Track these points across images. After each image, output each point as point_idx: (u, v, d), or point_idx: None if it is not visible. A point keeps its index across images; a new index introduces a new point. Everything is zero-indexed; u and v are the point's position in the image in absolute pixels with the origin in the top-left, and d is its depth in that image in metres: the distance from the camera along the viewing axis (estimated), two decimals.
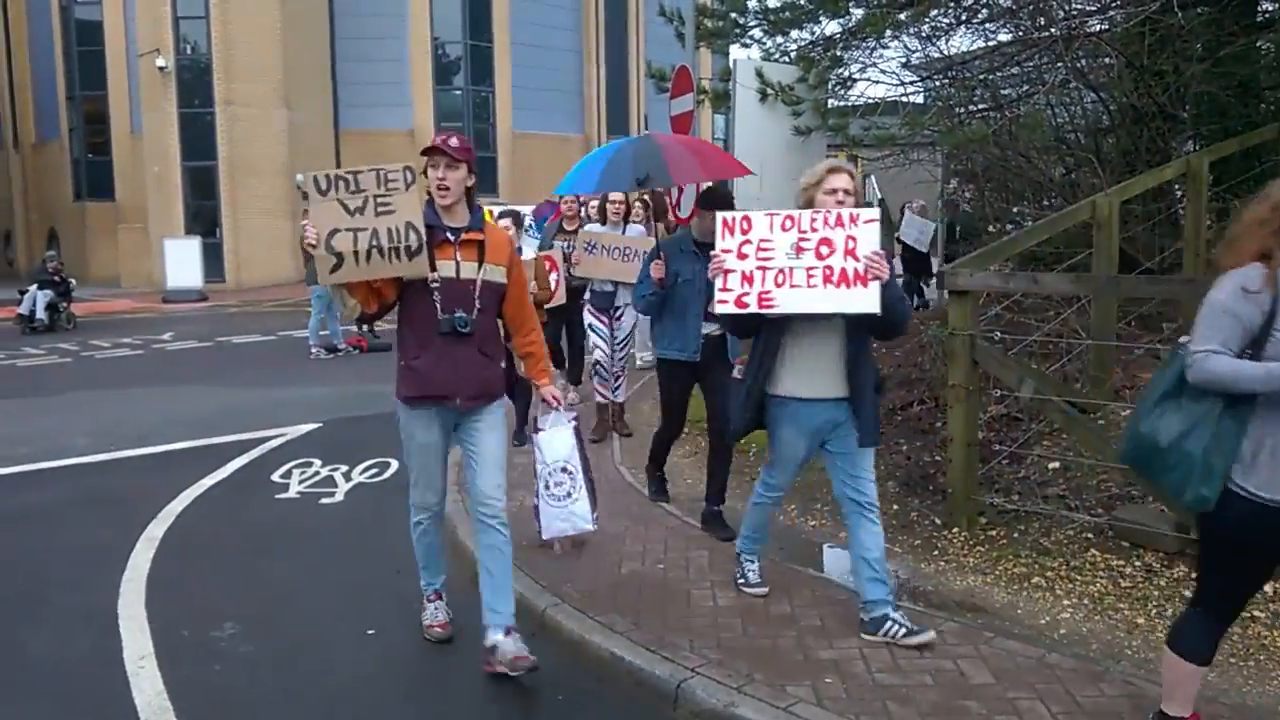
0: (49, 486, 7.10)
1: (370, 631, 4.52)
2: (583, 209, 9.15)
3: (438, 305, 3.95)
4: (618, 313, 7.80)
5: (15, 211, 34.79)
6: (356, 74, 29.74)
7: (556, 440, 4.94)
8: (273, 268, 26.04)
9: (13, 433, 8.77)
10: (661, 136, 6.18)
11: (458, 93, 31.19)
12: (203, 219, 25.74)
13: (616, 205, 8.20)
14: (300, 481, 7.09)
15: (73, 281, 18.37)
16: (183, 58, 25.71)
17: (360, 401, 10.01)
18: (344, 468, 7.37)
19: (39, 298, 17.07)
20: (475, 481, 4.13)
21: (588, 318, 7.89)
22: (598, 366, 7.78)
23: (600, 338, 7.79)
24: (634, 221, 8.41)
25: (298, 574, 5.30)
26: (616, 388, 7.83)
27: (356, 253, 3.81)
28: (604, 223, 8.43)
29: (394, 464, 7.47)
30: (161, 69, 25.01)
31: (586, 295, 7.93)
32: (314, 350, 13.23)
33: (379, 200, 3.84)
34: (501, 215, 9.61)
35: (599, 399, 7.82)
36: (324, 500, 6.68)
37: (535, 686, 3.96)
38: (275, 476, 7.22)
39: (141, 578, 5.21)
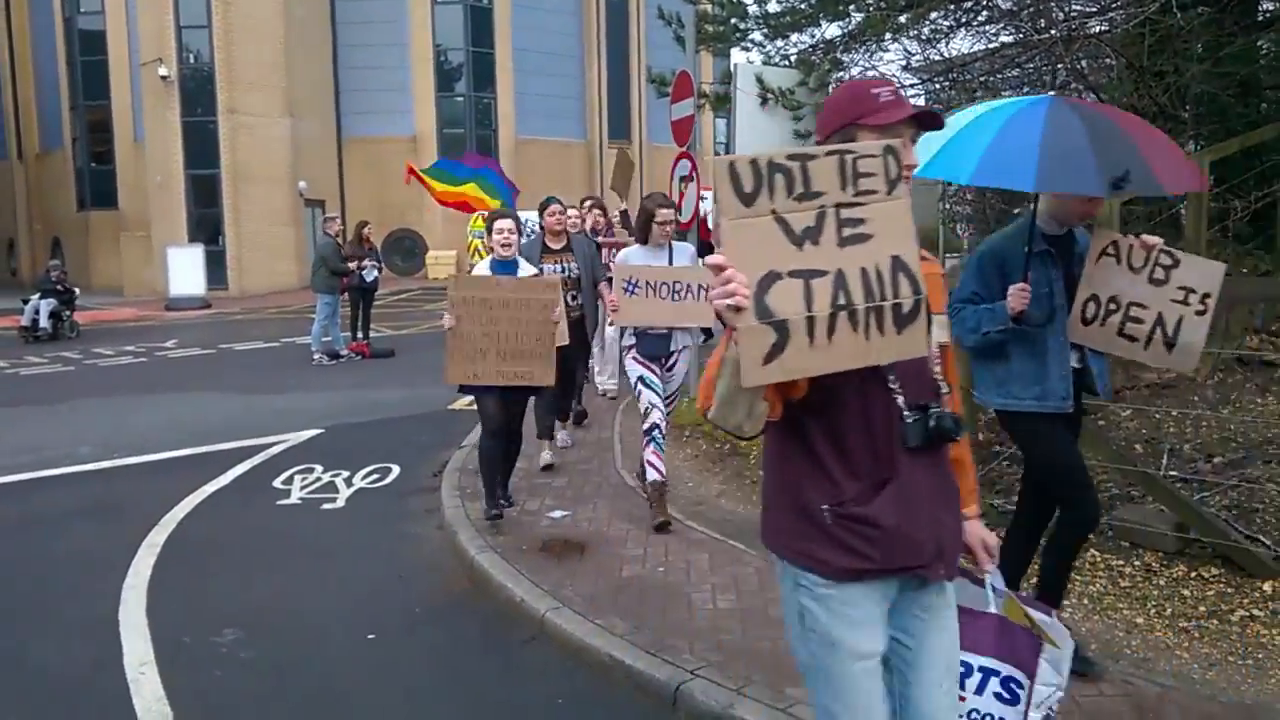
0: (51, 495, 7.11)
1: (371, 637, 4.52)
2: (583, 219, 8.99)
3: (898, 399, 2.13)
4: (671, 360, 5.92)
5: (19, 221, 34.97)
6: (359, 81, 29.86)
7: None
8: (275, 275, 26.12)
9: (16, 441, 8.79)
10: (1107, 109, 4.28)
11: (460, 99, 31.30)
12: (205, 227, 25.83)
13: (664, 223, 5.90)
14: (302, 487, 7.10)
15: (76, 290, 18.42)
16: (185, 67, 25.82)
17: (362, 407, 10.03)
18: (345, 473, 7.38)
19: (42, 307, 17.12)
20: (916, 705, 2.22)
21: (633, 368, 5.89)
22: (655, 432, 5.79)
23: (655, 392, 5.82)
24: (661, 239, 5.91)
25: (299, 580, 5.31)
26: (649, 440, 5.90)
27: (813, 322, 1.89)
28: (593, 232, 7.89)
29: (395, 469, 7.49)
30: (164, 78, 25.12)
31: (625, 339, 6.03)
32: (316, 356, 13.25)
33: (844, 214, 1.95)
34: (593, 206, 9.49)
35: (655, 475, 5.75)
36: (326, 506, 6.68)
37: (536, 690, 3.96)
38: (277, 483, 7.23)
39: (143, 584, 5.22)
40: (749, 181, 1.87)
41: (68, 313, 17.63)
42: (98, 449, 8.42)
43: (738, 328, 1.82)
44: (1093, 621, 4.30)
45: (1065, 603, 4.47)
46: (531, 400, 6.18)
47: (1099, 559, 4.79)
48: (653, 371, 5.82)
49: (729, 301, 1.80)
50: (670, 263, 5.78)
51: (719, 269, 1.81)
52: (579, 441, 7.85)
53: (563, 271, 6.78)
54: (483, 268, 5.96)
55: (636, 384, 5.87)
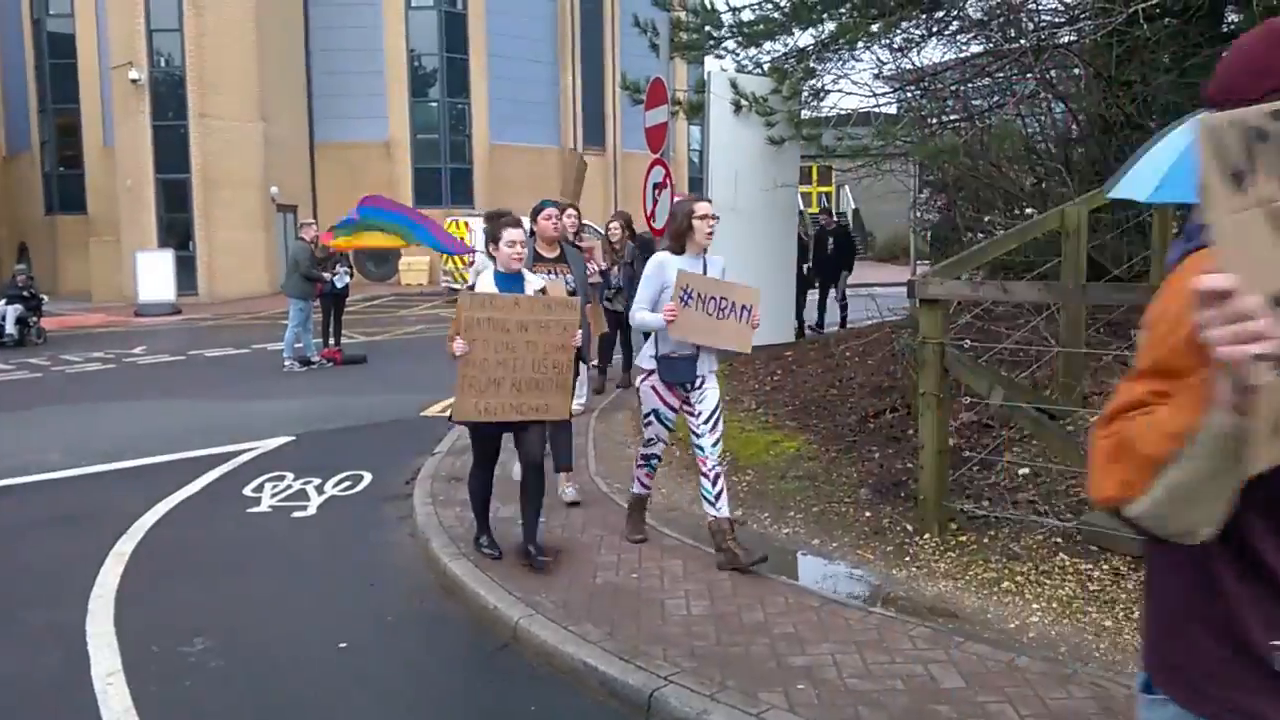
0: (18, 503, 7.02)
1: (343, 645, 4.50)
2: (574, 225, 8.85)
3: None
4: (699, 383, 5.16)
5: None
6: (332, 86, 29.70)
7: None
8: (246, 281, 25.91)
9: None
10: None
11: (434, 105, 31.20)
12: (176, 232, 25.57)
13: (705, 216, 5.24)
14: (272, 495, 7.05)
15: (43, 296, 18.19)
16: (156, 70, 25.57)
17: (334, 414, 9.96)
18: (317, 480, 7.33)
19: (8, 312, 16.87)
20: None
21: (649, 399, 5.23)
22: (654, 461, 5.47)
23: (667, 429, 5.33)
24: (706, 240, 5.15)
25: (269, 588, 5.27)
26: (718, 494, 5.09)
27: None
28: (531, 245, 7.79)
29: (367, 476, 7.45)
30: (134, 81, 24.87)
31: (643, 361, 5.28)
32: (287, 363, 13.15)
33: None
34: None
35: (640, 489, 5.57)
36: (296, 514, 6.63)
37: (509, 697, 3.95)
38: (247, 490, 7.17)
39: (110, 594, 5.16)
40: (1237, 152, 1.17)
41: (34, 319, 17.40)
42: (65, 456, 8.32)
43: (1256, 384, 1.10)
44: (1062, 625, 4.34)
45: (1035, 607, 4.52)
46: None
47: (1068, 563, 4.84)
48: (671, 406, 5.20)
49: (1259, 348, 1.08)
50: (704, 274, 5.12)
51: (1220, 295, 1.09)
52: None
53: (567, 282, 6.07)
54: (487, 282, 5.14)
55: (650, 416, 5.28)
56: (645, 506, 5.64)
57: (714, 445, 5.10)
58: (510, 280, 5.13)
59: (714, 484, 5.07)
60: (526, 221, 6.48)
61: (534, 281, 5.26)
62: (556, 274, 6.04)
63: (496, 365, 4.86)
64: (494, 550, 5.29)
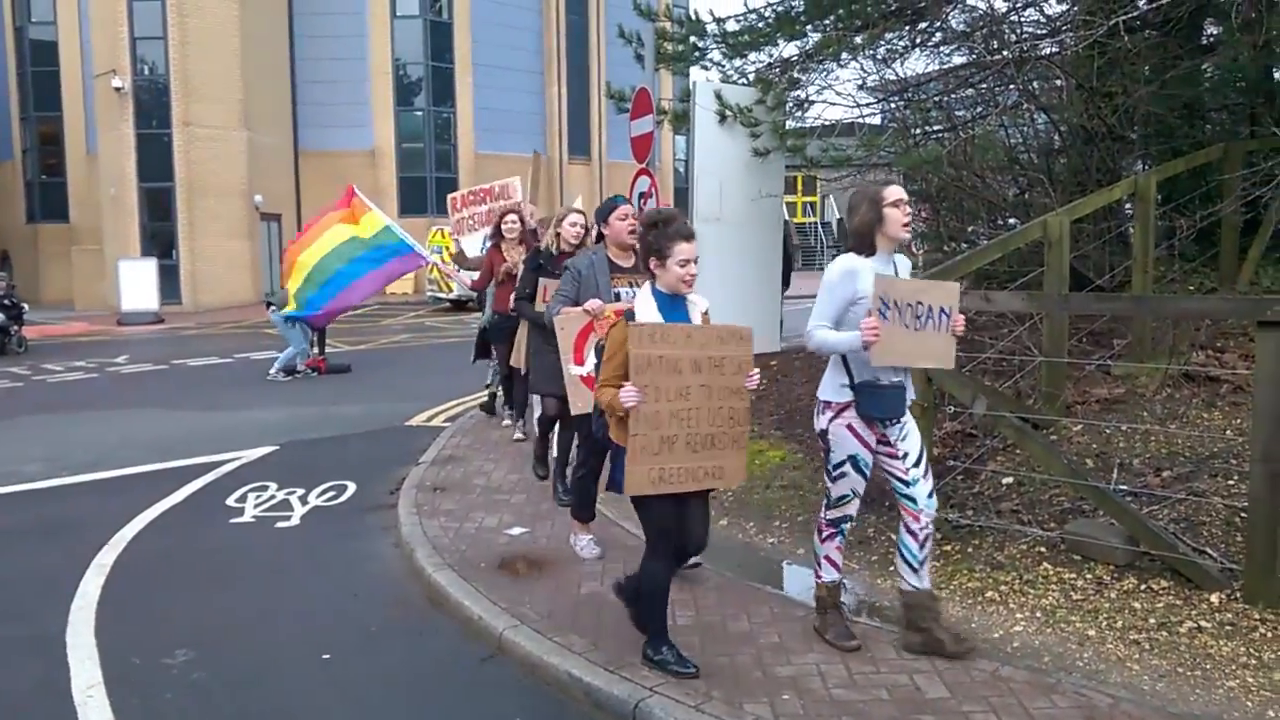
0: None
1: (326, 657, 4.47)
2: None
3: None
4: (903, 420, 4.09)
5: None
6: (317, 95, 29.68)
7: None
8: (230, 289, 25.82)
9: None
10: None
11: (419, 114, 31.20)
12: (159, 240, 25.48)
13: (899, 201, 4.02)
14: (256, 505, 7.01)
15: (25, 304, 18.07)
16: (140, 78, 25.49)
17: (317, 424, 9.92)
18: (300, 491, 7.30)
19: None
20: None
21: (845, 441, 4.04)
22: (845, 525, 4.23)
23: (864, 478, 4.11)
24: (904, 233, 4.06)
25: (252, 599, 5.23)
26: (924, 560, 4.11)
27: None
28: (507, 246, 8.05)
29: (351, 487, 7.41)
30: (118, 89, 24.78)
31: (829, 393, 4.10)
32: (272, 372, 13.10)
33: None
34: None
35: (834, 575, 4.26)
36: (280, 524, 6.60)
37: (494, 708, 3.94)
38: (230, 500, 7.13)
39: (91, 605, 5.11)
40: None
41: (16, 327, 17.28)
42: (45, 466, 8.26)
43: None
44: (1045, 634, 4.35)
45: (1019, 616, 4.53)
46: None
47: (1051, 572, 4.86)
48: (869, 446, 4.05)
49: None
50: (896, 274, 4.07)
51: None
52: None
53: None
54: (647, 306, 3.93)
55: (845, 465, 4.06)
56: (841, 597, 4.40)
57: (929, 497, 4.06)
58: (675, 306, 3.99)
59: (922, 547, 4.06)
60: (547, 225, 6.77)
61: (698, 304, 4.09)
62: (637, 287, 4.44)
63: (670, 419, 3.77)
64: (686, 667, 3.93)
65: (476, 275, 8.72)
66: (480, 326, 9.24)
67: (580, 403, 5.16)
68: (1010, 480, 5.85)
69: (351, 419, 10.16)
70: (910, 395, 4.11)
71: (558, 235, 6.31)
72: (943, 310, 4.02)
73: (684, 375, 3.78)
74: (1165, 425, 5.99)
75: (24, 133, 31.30)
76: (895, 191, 3.97)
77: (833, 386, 4.07)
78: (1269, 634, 4.11)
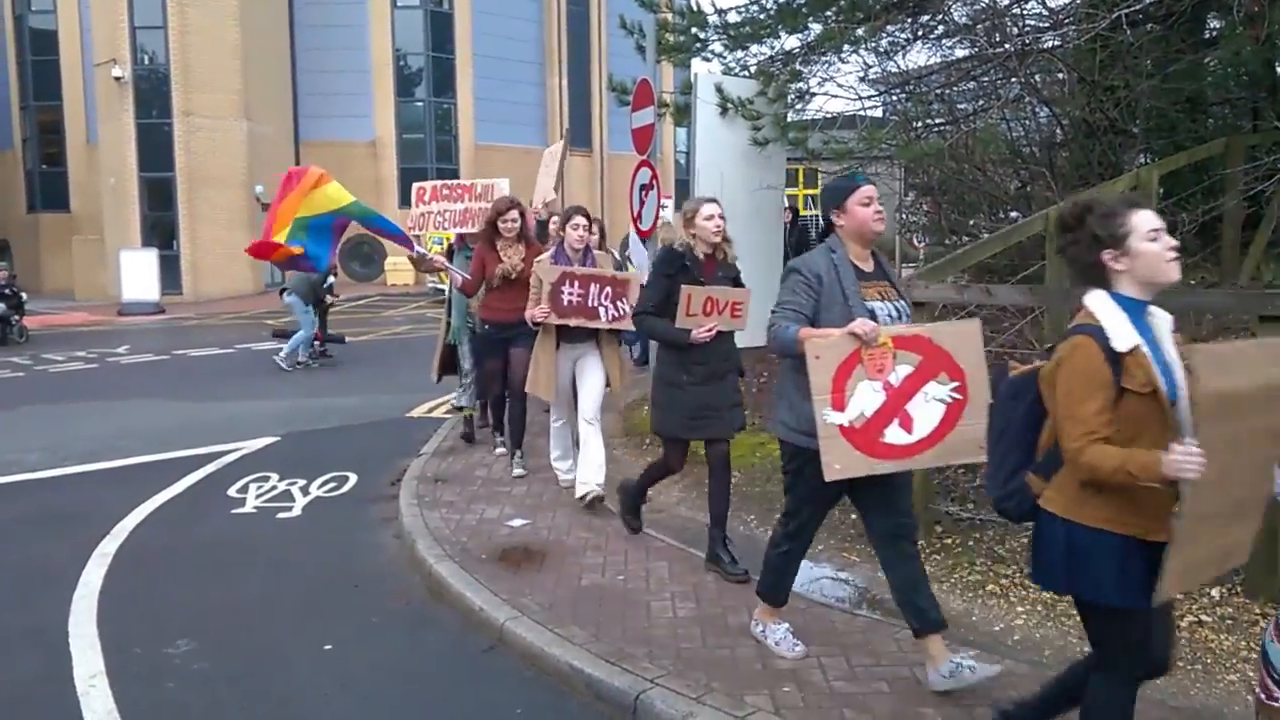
0: (0, 503, 6.98)
1: (327, 647, 4.48)
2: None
3: None
4: None
5: None
6: (317, 85, 29.63)
7: None
8: (231, 280, 25.80)
9: None
10: None
11: (419, 104, 31.18)
12: (160, 231, 25.46)
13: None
14: (257, 496, 7.02)
15: (24, 294, 18.06)
16: (140, 68, 25.44)
17: (319, 415, 9.93)
18: (302, 481, 7.31)
19: None
20: None
21: None
22: None
23: None
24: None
25: (253, 590, 5.24)
26: None
27: None
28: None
29: (352, 478, 7.42)
30: (118, 79, 24.73)
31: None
32: (281, 360, 13.01)
33: None
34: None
35: None
36: (281, 515, 6.61)
37: (495, 699, 3.95)
38: (232, 491, 7.14)
39: (93, 595, 5.12)
40: None
41: (16, 317, 17.28)
42: (47, 456, 8.27)
43: None
44: (1046, 628, 4.36)
45: (1020, 609, 4.54)
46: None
47: None
48: None
49: None
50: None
51: None
52: (540, 450, 7.81)
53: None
54: (1117, 323, 2.68)
55: None
56: None
57: None
58: (1140, 313, 2.75)
59: None
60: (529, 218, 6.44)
61: (1157, 314, 2.79)
62: (891, 301, 3.79)
63: (1240, 481, 2.61)
64: None
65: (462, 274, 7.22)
66: (450, 339, 8.07)
67: (840, 464, 3.55)
68: None
69: (353, 410, 10.17)
70: None
71: (693, 235, 4.91)
72: None
73: (1245, 419, 2.55)
74: None
75: (24, 122, 31.26)
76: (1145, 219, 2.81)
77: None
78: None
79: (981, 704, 3.56)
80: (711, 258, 4.96)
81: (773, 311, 3.72)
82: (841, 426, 3.57)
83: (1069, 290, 6.24)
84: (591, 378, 6.14)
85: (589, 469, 6.04)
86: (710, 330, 4.86)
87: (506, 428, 7.36)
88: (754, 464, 7.02)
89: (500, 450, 7.59)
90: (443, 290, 8.74)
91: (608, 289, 6.00)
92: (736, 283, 5.06)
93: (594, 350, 6.20)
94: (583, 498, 6.04)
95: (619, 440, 8.09)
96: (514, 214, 6.90)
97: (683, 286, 4.80)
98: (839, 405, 3.56)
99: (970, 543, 5.26)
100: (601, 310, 5.99)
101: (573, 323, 5.99)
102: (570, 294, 5.95)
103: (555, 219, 8.51)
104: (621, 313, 5.98)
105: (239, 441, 8.72)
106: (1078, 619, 4.35)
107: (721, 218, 4.91)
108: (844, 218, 3.75)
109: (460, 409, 8.45)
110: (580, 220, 6.17)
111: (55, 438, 9.06)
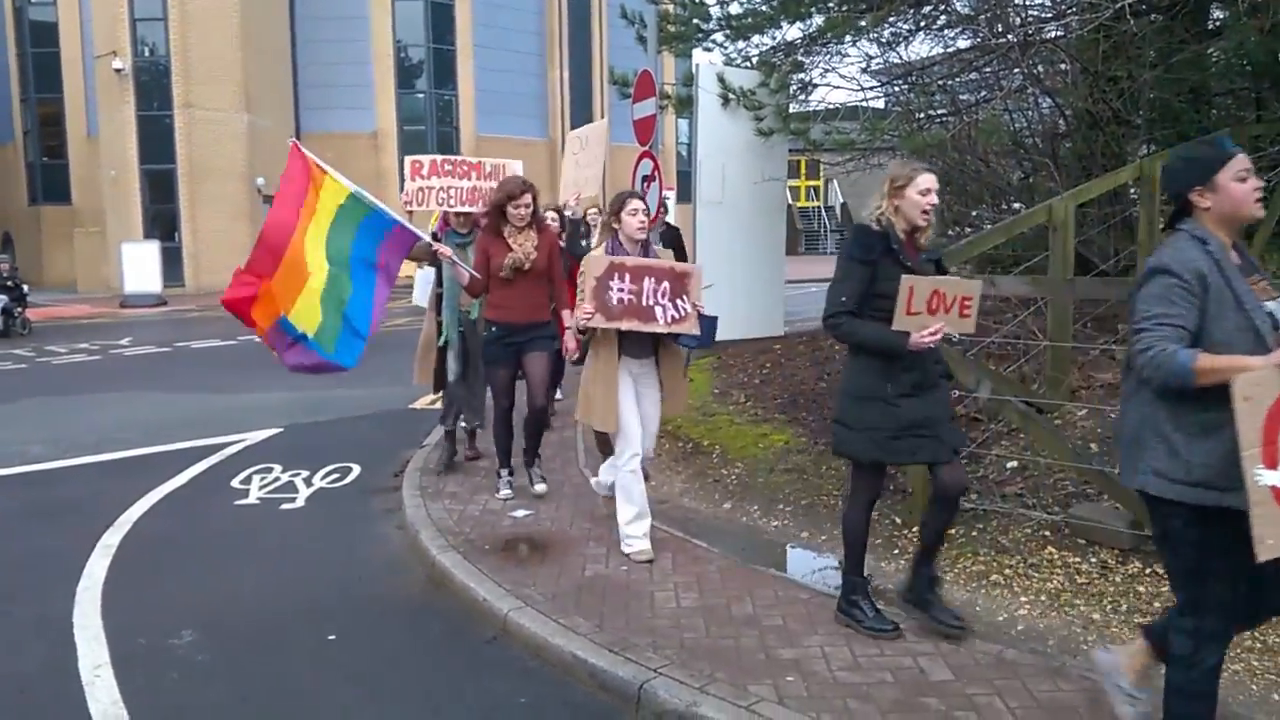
0: (3, 495, 6.97)
1: (331, 638, 4.48)
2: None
3: None
4: None
5: None
6: (318, 77, 29.60)
7: None
8: (232, 271, 25.76)
9: None
10: None
11: (420, 96, 31.13)
12: (161, 223, 25.47)
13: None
14: (260, 487, 7.02)
15: (26, 287, 18.08)
16: (141, 60, 25.42)
17: (322, 406, 9.94)
18: (305, 473, 7.31)
19: None
20: None
21: None
22: None
23: None
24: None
25: (257, 581, 5.25)
26: None
27: None
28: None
29: (355, 469, 7.43)
30: (119, 71, 24.71)
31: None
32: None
33: None
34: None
35: None
36: (285, 506, 6.61)
37: (499, 689, 3.95)
38: (235, 482, 7.15)
39: (97, 586, 5.13)
40: None
41: (19, 309, 17.31)
42: (50, 448, 8.27)
43: None
44: (1050, 618, 4.36)
45: (1024, 600, 4.55)
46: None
47: (1056, 556, 4.87)
48: None
49: None
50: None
51: None
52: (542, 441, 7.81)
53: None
54: None
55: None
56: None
57: None
58: None
59: None
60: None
61: None
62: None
63: None
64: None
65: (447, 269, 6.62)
66: (442, 341, 6.92)
67: (1274, 539, 2.56)
68: (1015, 464, 5.86)
69: (356, 402, 10.17)
70: None
71: (895, 208, 4.01)
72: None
73: None
74: None
75: (24, 114, 31.25)
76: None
77: None
78: (1274, 618, 4.11)
79: (983, 692, 3.56)
80: (911, 238, 4.02)
81: (1137, 328, 2.77)
82: (1276, 489, 2.61)
83: (1072, 281, 6.25)
84: (649, 407, 5.19)
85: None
86: (936, 333, 3.79)
87: (524, 441, 6.40)
88: (755, 455, 7.03)
89: (506, 492, 6.33)
90: (423, 308, 7.64)
91: (665, 284, 4.90)
92: (941, 270, 4.18)
93: (653, 370, 5.17)
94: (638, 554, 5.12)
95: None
96: (528, 198, 5.97)
97: (903, 277, 3.77)
98: (1271, 462, 2.60)
99: (974, 533, 5.26)
100: (659, 310, 4.90)
101: (624, 326, 4.90)
102: (621, 291, 4.85)
103: (594, 210, 8.22)
104: (683, 313, 4.93)
105: (242, 433, 8.72)
106: (1082, 609, 4.37)
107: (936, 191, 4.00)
108: (1211, 197, 2.85)
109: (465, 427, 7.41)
110: (638, 205, 5.12)
111: (58, 430, 9.07)
